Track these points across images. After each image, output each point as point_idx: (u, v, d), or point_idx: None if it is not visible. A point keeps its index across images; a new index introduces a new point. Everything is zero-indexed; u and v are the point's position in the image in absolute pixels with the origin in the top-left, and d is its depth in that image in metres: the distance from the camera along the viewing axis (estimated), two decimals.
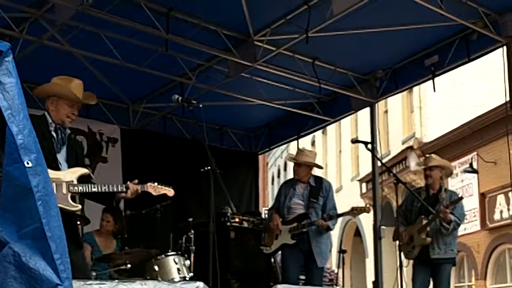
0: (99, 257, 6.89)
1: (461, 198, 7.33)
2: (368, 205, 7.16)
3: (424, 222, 7.12)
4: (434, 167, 7.34)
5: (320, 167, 7.79)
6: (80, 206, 4.64)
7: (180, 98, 5.91)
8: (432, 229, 7.13)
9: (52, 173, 4.43)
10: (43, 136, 4.53)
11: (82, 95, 4.87)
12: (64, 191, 4.50)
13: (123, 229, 7.78)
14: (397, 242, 7.32)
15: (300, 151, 7.43)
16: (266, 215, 7.55)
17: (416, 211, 7.29)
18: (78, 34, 7.74)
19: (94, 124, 9.81)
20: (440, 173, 7.41)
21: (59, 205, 4.35)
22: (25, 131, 2.12)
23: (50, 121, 4.70)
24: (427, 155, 7.88)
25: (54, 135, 4.68)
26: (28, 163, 2.10)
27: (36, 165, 2.12)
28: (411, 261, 7.39)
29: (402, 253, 7.27)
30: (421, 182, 11.69)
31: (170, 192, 5.03)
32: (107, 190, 4.70)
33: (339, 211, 7.26)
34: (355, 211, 7.04)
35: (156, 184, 4.94)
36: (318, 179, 7.40)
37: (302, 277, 7.40)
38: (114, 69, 8.63)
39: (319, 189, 7.23)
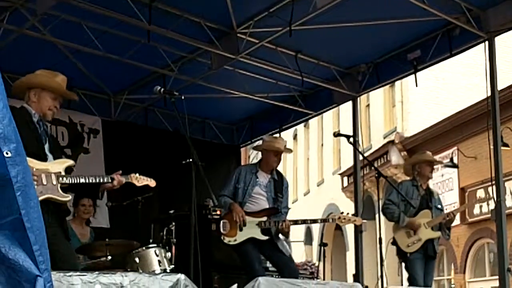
0: (79, 247, 6.81)
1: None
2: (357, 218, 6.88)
3: (433, 216, 7.30)
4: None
5: (290, 150, 7.62)
6: (70, 197, 4.65)
7: (162, 89, 5.87)
8: (436, 224, 7.33)
9: (40, 164, 4.44)
10: (29, 127, 4.51)
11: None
12: (54, 181, 4.48)
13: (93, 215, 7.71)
14: (378, 235, 7.25)
15: (273, 138, 7.10)
16: (223, 201, 6.76)
17: (416, 204, 7.35)
18: (59, 24, 7.66)
19: (75, 115, 9.75)
20: None
21: (51, 195, 4.41)
22: (4, 120, 2.09)
23: (33, 112, 4.64)
24: (422, 152, 7.98)
25: (38, 126, 4.64)
26: (7, 153, 2.07)
27: (15, 155, 2.08)
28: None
29: (399, 245, 7.28)
30: (402, 177, 11.75)
31: (152, 183, 5.07)
32: (94, 181, 4.70)
33: (323, 216, 7.09)
34: (343, 220, 6.57)
35: (138, 175, 4.98)
36: (279, 175, 7.01)
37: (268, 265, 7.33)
38: (96, 59, 8.57)
39: (281, 185, 6.90)
